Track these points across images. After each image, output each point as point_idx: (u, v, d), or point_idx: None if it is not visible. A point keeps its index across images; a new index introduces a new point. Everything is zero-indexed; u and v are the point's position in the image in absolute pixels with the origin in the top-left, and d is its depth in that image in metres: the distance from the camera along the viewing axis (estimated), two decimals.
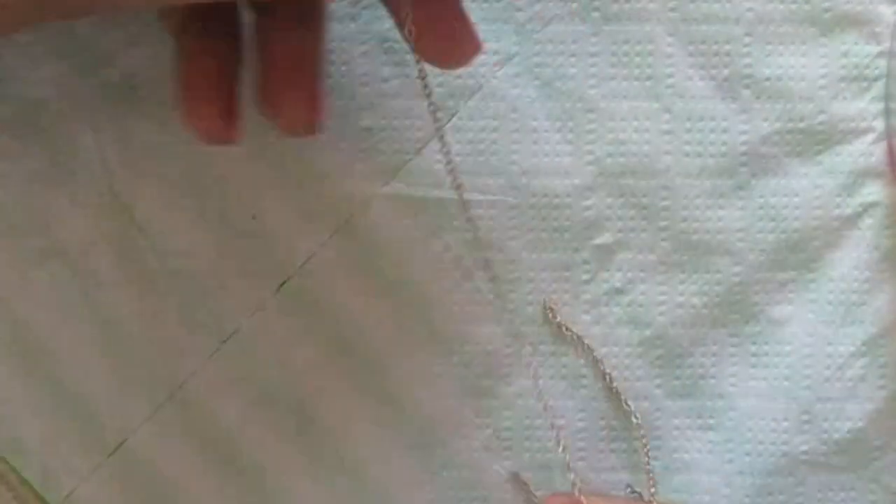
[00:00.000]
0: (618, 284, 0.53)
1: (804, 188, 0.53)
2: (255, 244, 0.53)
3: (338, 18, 0.53)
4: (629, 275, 0.54)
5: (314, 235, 0.53)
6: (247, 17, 0.46)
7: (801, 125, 0.53)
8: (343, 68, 0.53)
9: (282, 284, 0.53)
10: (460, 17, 0.43)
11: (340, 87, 0.53)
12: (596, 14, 0.53)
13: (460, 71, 0.53)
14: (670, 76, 0.53)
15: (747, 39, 0.53)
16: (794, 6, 0.53)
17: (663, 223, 0.53)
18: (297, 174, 0.53)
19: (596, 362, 0.53)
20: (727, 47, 0.53)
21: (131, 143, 0.52)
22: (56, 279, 0.53)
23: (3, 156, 0.52)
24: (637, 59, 0.53)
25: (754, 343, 0.53)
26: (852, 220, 0.53)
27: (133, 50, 0.52)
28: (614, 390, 0.53)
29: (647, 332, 0.53)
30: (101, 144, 0.52)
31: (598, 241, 0.53)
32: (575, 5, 0.53)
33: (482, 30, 0.52)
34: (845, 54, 0.53)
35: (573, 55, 0.53)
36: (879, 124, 0.53)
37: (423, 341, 0.53)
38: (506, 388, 0.54)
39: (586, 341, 0.53)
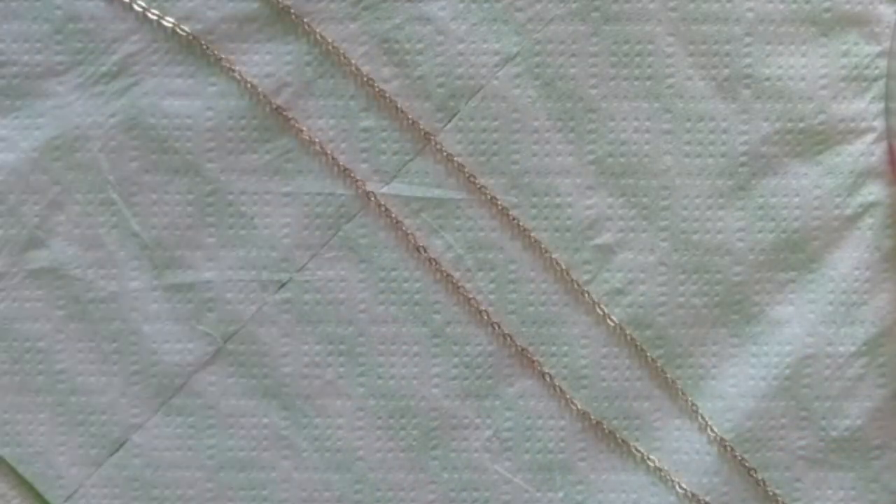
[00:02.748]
0: (618, 285, 0.53)
1: (804, 188, 0.53)
2: (254, 246, 0.53)
3: (338, 19, 0.53)
4: (630, 275, 0.53)
5: (315, 236, 0.53)
6: None
7: (801, 125, 0.53)
8: (343, 69, 0.53)
9: (283, 285, 0.53)
10: None
11: (341, 87, 0.53)
12: (596, 14, 0.53)
13: (461, 72, 0.53)
14: (670, 76, 0.53)
15: (747, 39, 0.53)
16: (794, 6, 0.53)
17: (663, 223, 0.53)
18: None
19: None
20: (727, 47, 0.53)
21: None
22: (54, 285, 0.53)
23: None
24: (637, 59, 0.53)
25: (755, 343, 0.53)
26: (852, 220, 0.53)
27: None
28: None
29: (648, 333, 0.53)
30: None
31: (598, 241, 0.53)
32: (575, 5, 0.53)
33: (482, 30, 0.52)
34: (845, 54, 0.53)
35: (573, 55, 0.53)
36: (879, 124, 0.53)
37: (423, 341, 0.53)
38: (507, 388, 0.54)
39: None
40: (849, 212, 0.53)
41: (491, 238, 0.53)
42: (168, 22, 0.53)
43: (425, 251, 0.53)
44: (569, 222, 0.53)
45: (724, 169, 0.53)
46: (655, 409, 0.54)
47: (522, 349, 0.53)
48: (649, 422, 0.54)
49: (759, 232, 0.53)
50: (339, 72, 0.53)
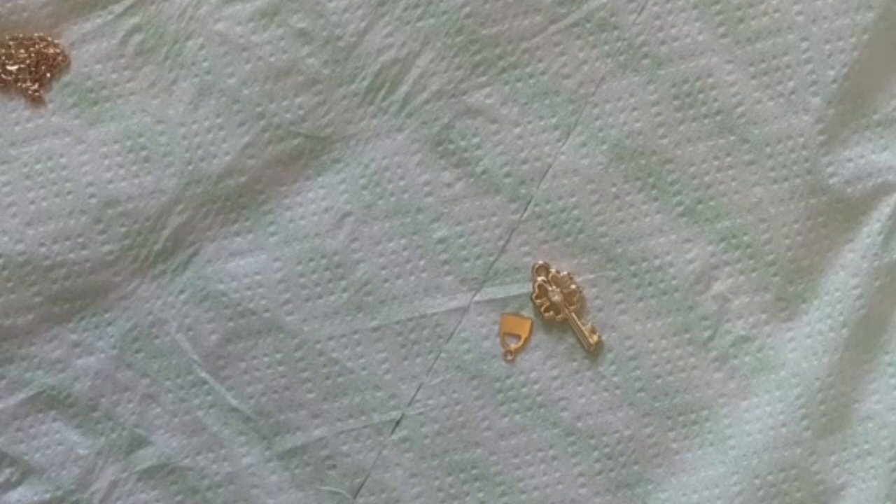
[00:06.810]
0: (743, 332, 0.51)
1: None
2: (357, 391, 0.50)
3: (384, 133, 0.50)
4: (752, 319, 0.51)
5: (417, 364, 0.51)
6: None
7: (877, 117, 0.50)
8: (402, 183, 0.50)
9: (397, 423, 0.50)
10: None
11: (403, 202, 0.50)
12: (647, 61, 0.50)
13: (524, 156, 0.50)
14: (739, 104, 0.50)
15: (804, 45, 0.50)
16: None
17: (770, 257, 0.50)
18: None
19: None
20: (786, 59, 0.50)
21: None
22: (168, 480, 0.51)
23: None
24: (701, 97, 0.50)
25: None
26: None
27: None
28: None
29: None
30: None
31: (710, 293, 0.50)
32: (622, 57, 0.50)
33: (535, 107, 0.50)
34: None
35: (635, 108, 0.50)
36: None
37: (557, 443, 0.50)
38: (656, 469, 0.51)
39: None
40: None
41: (600, 317, 0.51)
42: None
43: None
44: (675, 282, 0.50)
45: (814, 187, 0.50)
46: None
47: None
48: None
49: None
50: (398, 188, 0.50)
